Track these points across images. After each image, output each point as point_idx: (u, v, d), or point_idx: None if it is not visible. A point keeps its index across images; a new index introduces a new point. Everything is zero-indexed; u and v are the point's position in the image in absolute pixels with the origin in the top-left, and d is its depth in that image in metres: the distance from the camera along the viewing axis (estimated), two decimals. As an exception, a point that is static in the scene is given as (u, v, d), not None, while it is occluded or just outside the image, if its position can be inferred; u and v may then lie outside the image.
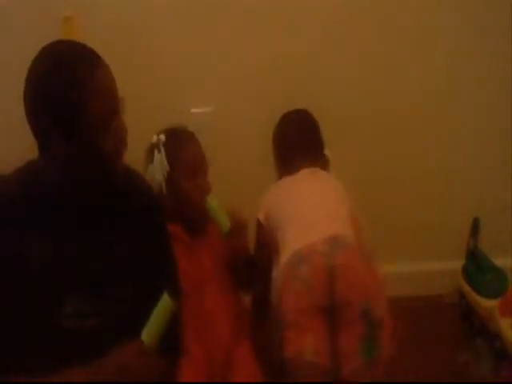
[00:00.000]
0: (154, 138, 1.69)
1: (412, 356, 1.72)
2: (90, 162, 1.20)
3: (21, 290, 1.20)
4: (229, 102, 2.01)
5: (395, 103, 2.10)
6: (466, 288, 2.13)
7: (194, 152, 1.68)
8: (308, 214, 1.58)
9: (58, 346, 1.21)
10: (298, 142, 1.76)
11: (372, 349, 1.41)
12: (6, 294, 1.20)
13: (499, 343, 1.93)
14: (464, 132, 2.17)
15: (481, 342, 2.02)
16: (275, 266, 1.57)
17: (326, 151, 1.78)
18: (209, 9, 1.93)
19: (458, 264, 2.19)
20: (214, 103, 2.00)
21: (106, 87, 1.18)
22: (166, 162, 1.64)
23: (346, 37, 2.02)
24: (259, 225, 1.69)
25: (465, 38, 2.06)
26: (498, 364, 1.93)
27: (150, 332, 1.21)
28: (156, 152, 1.66)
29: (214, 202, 1.61)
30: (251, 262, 1.70)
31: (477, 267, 2.14)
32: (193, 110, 2.00)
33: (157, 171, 1.65)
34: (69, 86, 1.14)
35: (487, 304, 2.03)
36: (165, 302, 1.21)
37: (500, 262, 2.14)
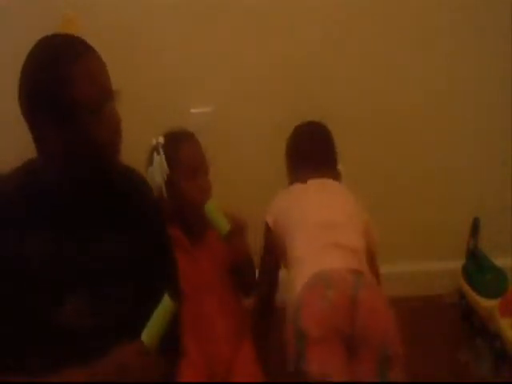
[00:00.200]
0: (154, 141, 1.69)
1: (412, 356, 1.72)
2: (86, 155, 1.20)
3: (20, 289, 1.20)
4: (229, 102, 2.01)
5: (395, 103, 2.10)
6: (466, 288, 2.13)
7: (193, 152, 1.68)
8: (317, 221, 1.58)
9: (57, 345, 1.21)
10: (310, 153, 1.77)
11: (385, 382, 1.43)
12: (6, 293, 1.20)
13: (499, 343, 1.94)
14: (464, 132, 2.17)
15: (481, 342, 2.02)
16: (290, 272, 1.56)
17: (340, 166, 1.80)
18: (209, 9, 1.93)
19: (457, 264, 2.19)
20: (214, 103, 2.00)
21: (93, 75, 1.17)
22: (165, 165, 1.64)
23: (346, 37, 2.02)
24: (268, 229, 1.69)
25: (465, 38, 2.06)
26: (498, 364, 1.93)
27: (150, 333, 1.21)
28: (155, 155, 1.66)
29: (212, 204, 1.61)
30: (251, 263, 1.70)
31: (477, 267, 2.14)
32: (193, 110, 2.00)
33: (156, 174, 1.64)
34: (55, 75, 1.15)
35: (487, 304, 2.03)
36: (165, 303, 1.21)
37: (500, 262, 2.14)
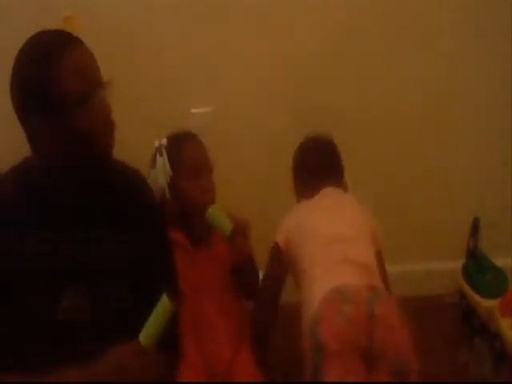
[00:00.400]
0: (156, 143, 1.68)
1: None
2: (79, 149, 1.20)
3: (19, 288, 1.21)
4: (229, 102, 2.01)
5: (395, 103, 2.10)
6: (466, 288, 2.13)
7: (196, 152, 1.67)
8: (328, 236, 1.58)
9: (56, 344, 1.22)
10: (317, 168, 1.78)
11: None
12: (5, 292, 1.21)
13: (499, 343, 1.93)
14: (464, 132, 2.17)
15: (481, 342, 2.02)
16: (303, 288, 1.56)
17: (345, 178, 1.82)
18: (209, 9, 1.93)
19: (458, 264, 2.19)
20: (214, 103, 2.00)
21: (79, 67, 1.18)
22: (168, 166, 1.63)
23: (346, 37, 2.02)
24: (277, 250, 1.68)
25: (465, 38, 2.06)
26: (498, 364, 1.93)
27: (147, 333, 1.20)
28: (158, 156, 1.65)
29: (215, 209, 1.60)
30: (253, 264, 1.70)
31: (477, 267, 2.13)
32: (193, 110, 2.00)
33: (159, 175, 1.64)
34: (41, 71, 1.16)
35: (487, 304, 2.02)
36: (164, 304, 1.21)
37: (500, 262, 2.14)
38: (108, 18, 1.89)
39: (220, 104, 2.00)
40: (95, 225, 1.28)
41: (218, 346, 1.61)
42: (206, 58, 1.98)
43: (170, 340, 1.26)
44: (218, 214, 1.59)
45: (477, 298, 2.07)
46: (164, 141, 1.68)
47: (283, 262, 1.67)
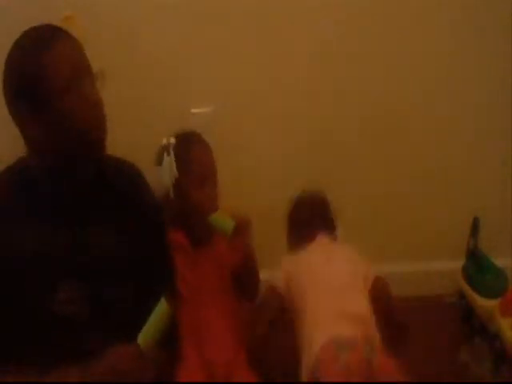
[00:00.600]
0: (164, 141, 1.66)
1: (412, 356, 1.72)
2: (70, 140, 1.21)
3: (16, 285, 1.21)
4: (229, 102, 2.01)
5: (395, 103, 2.10)
6: (466, 288, 2.13)
7: (204, 160, 1.65)
8: (325, 288, 1.63)
9: (54, 337, 1.22)
10: (311, 221, 1.84)
11: None
12: (2, 289, 1.21)
13: (499, 343, 1.93)
14: (464, 132, 2.17)
15: (481, 342, 2.02)
16: (303, 333, 1.60)
17: (337, 231, 1.87)
18: (209, 9, 1.93)
19: (458, 264, 2.19)
20: (214, 103, 2.00)
21: (64, 58, 1.19)
22: (175, 167, 1.61)
23: (346, 37, 2.02)
24: (275, 294, 1.70)
25: (465, 38, 2.06)
26: (498, 364, 1.93)
27: (145, 335, 1.21)
28: (165, 155, 1.63)
29: (217, 215, 1.60)
30: (254, 263, 1.69)
31: (477, 267, 2.13)
32: (193, 110, 2.00)
33: (165, 175, 1.62)
34: (26, 66, 1.19)
35: (487, 304, 2.02)
36: (162, 306, 1.21)
37: (500, 262, 2.14)
38: (108, 18, 1.89)
39: (220, 104, 2.00)
40: (91, 220, 1.29)
41: (217, 347, 1.61)
42: (206, 57, 1.98)
43: (168, 342, 1.26)
44: (220, 217, 1.59)
45: (477, 298, 2.07)
46: (172, 140, 1.64)
47: (281, 296, 1.70)
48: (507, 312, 1.93)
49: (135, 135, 1.93)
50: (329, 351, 1.50)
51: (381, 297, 1.68)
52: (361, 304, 1.63)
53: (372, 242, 2.22)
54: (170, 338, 1.26)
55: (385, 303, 1.68)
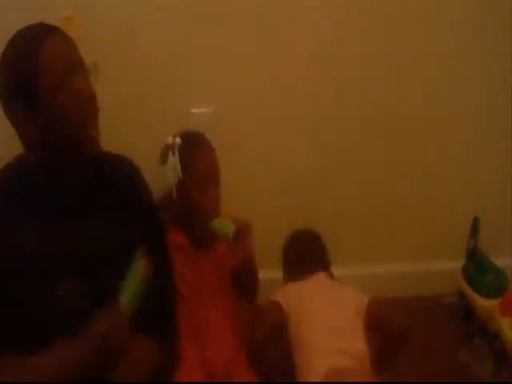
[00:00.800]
0: (169, 140, 1.65)
1: (412, 356, 1.72)
2: (64, 136, 1.21)
3: (14, 279, 1.22)
4: (229, 102, 2.01)
5: (395, 103, 2.10)
6: (466, 288, 2.13)
7: (209, 162, 1.65)
8: (324, 327, 1.63)
9: (53, 333, 1.22)
10: (306, 255, 1.86)
11: None
12: (1, 285, 1.22)
13: (499, 343, 1.93)
14: (464, 132, 2.17)
15: (481, 342, 2.02)
16: (301, 354, 1.62)
17: (331, 269, 1.87)
18: (209, 9, 1.93)
19: (458, 264, 2.19)
20: (214, 103, 2.00)
21: (55, 54, 1.20)
22: (179, 168, 1.61)
23: (346, 37, 2.02)
24: (274, 304, 1.70)
25: (465, 38, 2.06)
26: (498, 364, 1.93)
27: (127, 296, 1.21)
28: (170, 155, 1.63)
29: (218, 220, 1.60)
30: (254, 266, 1.69)
31: (477, 267, 2.13)
32: (193, 110, 2.00)
33: (169, 174, 1.61)
34: (19, 64, 1.19)
35: (487, 304, 2.03)
36: (138, 263, 1.22)
37: (500, 262, 2.14)
38: (108, 17, 1.88)
39: (220, 104, 2.00)
40: (90, 217, 1.29)
41: (217, 347, 1.61)
42: (206, 58, 1.98)
43: (155, 315, 1.27)
44: (221, 223, 1.59)
45: (477, 298, 2.07)
46: (178, 140, 1.64)
47: (282, 308, 1.70)
48: (507, 312, 1.93)
49: (135, 135, 1.93)
50: (334, 378, 1.52)
51: (377, 324, 1.67)
52: (358, 343, 1.63)
53: (372, 241, 2.23)
54: (157, 312, 1.28)
55: (381, 326, 1.67)
